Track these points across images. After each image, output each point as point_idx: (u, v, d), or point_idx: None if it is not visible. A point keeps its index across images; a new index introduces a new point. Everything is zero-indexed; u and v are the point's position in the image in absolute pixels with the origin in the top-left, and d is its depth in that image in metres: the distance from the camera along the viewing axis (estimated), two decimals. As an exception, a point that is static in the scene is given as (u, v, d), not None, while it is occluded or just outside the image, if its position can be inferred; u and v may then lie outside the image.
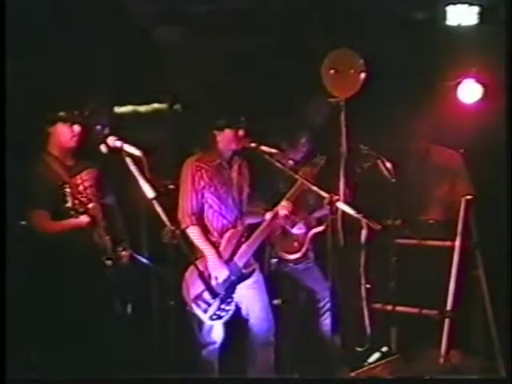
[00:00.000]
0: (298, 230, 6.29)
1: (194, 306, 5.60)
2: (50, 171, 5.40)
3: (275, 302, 6.24)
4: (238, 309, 5.79)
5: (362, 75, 6.20)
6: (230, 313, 5.71)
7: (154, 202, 4.93)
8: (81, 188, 5.47)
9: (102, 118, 6.06)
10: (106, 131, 5.45)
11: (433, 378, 5.63)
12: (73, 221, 5.26)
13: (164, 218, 4.96)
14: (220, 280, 5.64)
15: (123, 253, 5.53)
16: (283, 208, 5.78)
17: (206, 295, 5.60)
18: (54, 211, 5.29)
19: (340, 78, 6.23)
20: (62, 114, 5.39)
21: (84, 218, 5.26)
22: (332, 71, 6.25)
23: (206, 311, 5.63)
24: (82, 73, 6.12)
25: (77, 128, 5.41)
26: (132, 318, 5.48)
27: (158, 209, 4.94)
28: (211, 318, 5.65)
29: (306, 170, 5.87)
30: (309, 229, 6.33)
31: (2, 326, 4.51)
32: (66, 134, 5.42)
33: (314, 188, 5.54)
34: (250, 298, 5.78)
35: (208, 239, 5.67)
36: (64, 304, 5.26)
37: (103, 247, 5.42)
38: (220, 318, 5.67)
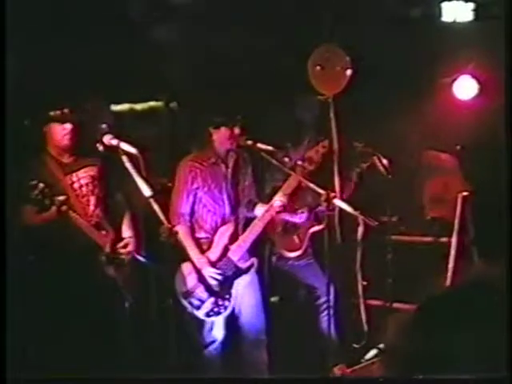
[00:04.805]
0: (299, 219, 6.19)
1: (185, 303, 5.63)
2: (45, 169, 5.40)
3: (272, 299, 6.27)
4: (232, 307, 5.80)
5: (349, 72, 6.15)
6: (230, 309, 5.69)
7: (151, 200, 4.93)
8: (76, 186, 5.46)
9: (104, 116, 6.20)
10: (109, 129, 5.54)
11: (431, 377, 5.55)
12: (43, 215, 5.23)
13: (161, 216, 4.96)
14: (208, 278, 5.65)
15: (123, 251, 5.52)
16: (278, 200, 5.70)
17: (199, 292, 5.62)
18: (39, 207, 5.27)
19: (326, 74, 6.21)
20: (52, 113, 5.36)
21: (51, 211, 5.19)
22: (318, 68, 6.22)
23: (198, 308, 5.64)
24: (77, 70, 6.08)
25: (68, 126, 5.38)
26: (129, 316, 5.47)
27: (155, 207, 4.94)
28: (208, 315, 5.65)
29: (304, 165, 5.79)
30: (309, 223, 6.25)
31: (2, 326, 4.50)
32: (58, 132, 5.40)
33: (311, 185, 5.53)
34: (243, 295, 5.77)
35: (194, 238, 5.69)
36: (59, 303, 5.27)
37: (100, 243, 5.43)
38: (218, 314, 5.67)
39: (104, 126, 5.86)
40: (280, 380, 5.19)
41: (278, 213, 5.75)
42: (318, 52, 6.27)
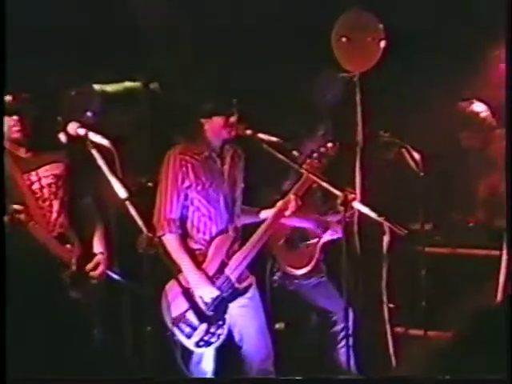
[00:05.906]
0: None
1: (175, 330, 5.20)
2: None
3: (277, 326, 5.91)
4: (230, 332, 5.32)
5: (382, 44, 5.77)
6: (222, 337, 5.25)
7: (127, 203, 4.49)
8: (36, 187, 5.03)
9: (90, 101, 6.02)
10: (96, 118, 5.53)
11: (431, 377, 5.04)
12: None
13: (139, 222, 4.51)
14: (205, 299, 5.25)
15: (93, 273, 5.09)
16: (288, 205, 5.27)
17: (190, 317, 5.19)
18: None
19: (354, 47, 5.84)
20: None
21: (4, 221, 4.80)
22: (344, 39, 5.84)
23: (190, 336, 5.19)
24: (40, 47, 5.76)
25: (14, 117, 4.94)
26: (98, 347, 5.08)
27: (132, 212, 4.49)
28: (198, 345, 5.20)
29: (313, 162, 5.32)
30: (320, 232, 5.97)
31: (2, 326, 4.24)
32: (5, 124, 4.99)
33: (325, 185, 5.08)
34: (244, 319, 5.33)
35: (188, 250, 5.29)
36: (15, 330, 4.63)
37: (64, 260, 5.00)
38: (209, 344, 5.23)
39: (89, 113, 5.77)
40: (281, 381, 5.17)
41: (287, 218, 5.39)
42: (343, 19, 5.89)
